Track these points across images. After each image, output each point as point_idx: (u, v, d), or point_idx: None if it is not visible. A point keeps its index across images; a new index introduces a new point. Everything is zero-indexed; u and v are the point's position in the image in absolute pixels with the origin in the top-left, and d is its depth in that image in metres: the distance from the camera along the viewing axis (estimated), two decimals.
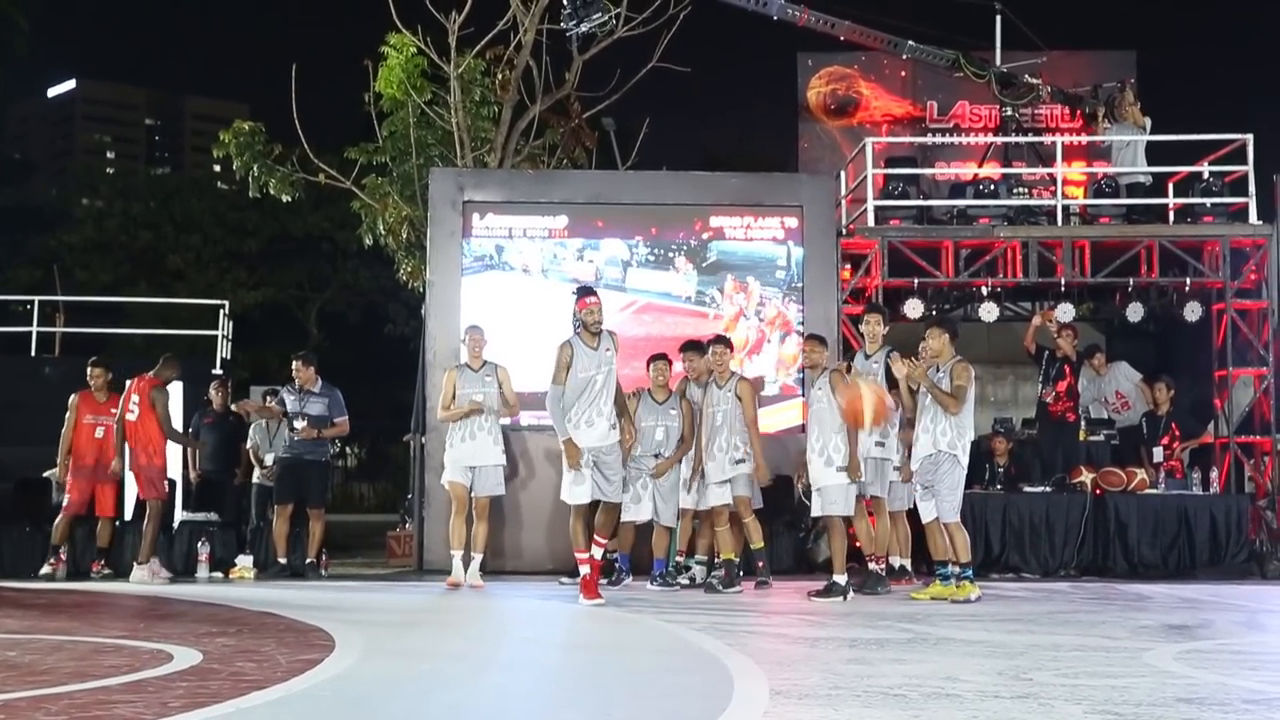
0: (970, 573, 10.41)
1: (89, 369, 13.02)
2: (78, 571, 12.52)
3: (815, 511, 10.86)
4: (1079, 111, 18.11)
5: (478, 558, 11.62)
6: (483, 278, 13.83)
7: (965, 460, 10.46)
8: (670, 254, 13.98)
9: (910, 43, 17.27)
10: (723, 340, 11.66)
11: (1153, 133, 15.71)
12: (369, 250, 19.69)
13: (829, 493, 10.53)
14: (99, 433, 12.73)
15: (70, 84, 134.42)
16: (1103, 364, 14.77)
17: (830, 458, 10.50)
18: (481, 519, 11.69)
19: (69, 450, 12.68)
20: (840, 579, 10.33)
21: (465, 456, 11.68)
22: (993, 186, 15.07)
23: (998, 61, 18.08)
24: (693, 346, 11.88)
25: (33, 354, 18.42)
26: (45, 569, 12.43)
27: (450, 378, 11.96)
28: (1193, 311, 14.55)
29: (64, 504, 12.64)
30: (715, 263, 13.97)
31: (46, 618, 8.77)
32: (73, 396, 12.85)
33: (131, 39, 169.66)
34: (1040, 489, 13.40)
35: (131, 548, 12.72)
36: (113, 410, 12.75)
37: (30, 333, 18.27)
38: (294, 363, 13.08)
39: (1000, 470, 13.78)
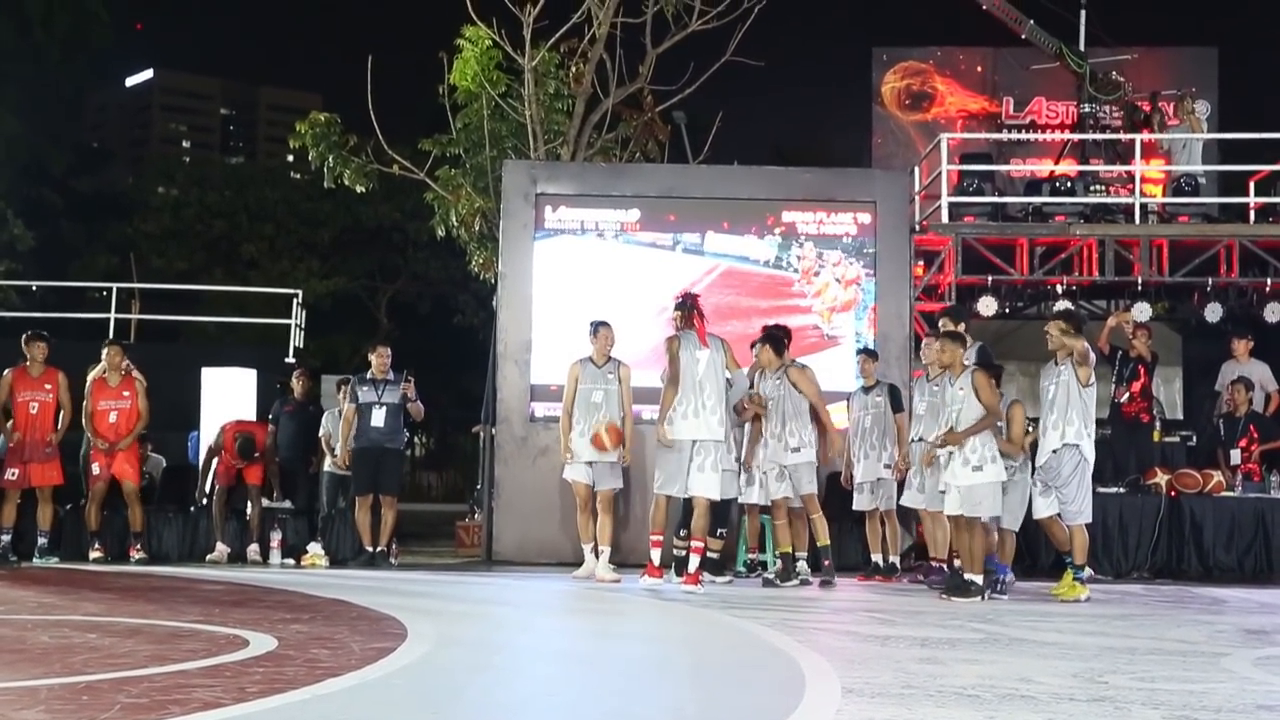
0: (1083, 574, 10.33)
1: (107, 351, 13.14)
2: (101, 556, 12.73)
3: (951, 510, 10.33)
4: (1134, 120, 17.84)
5: (605, 551, 11.50)
6: (554, 241, 13.82)
7: (1089, 452, 10.30)
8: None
9: (1031, 22, 17.02)
10: (770, 338, 11.44)
11: (1234, 130, 15.52)
12: (440, 241, 19.80)
13: (973, 493, 10.02)
14: (113, 417, 12.88)
15: (148, 74, 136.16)
16: (1245, 352, 14.37)
17: (968, 458, 10.03)
18: (605, 513, 11.62)
19: (94, 431, 12.85)
20: (977, 578, 10.03)
21: (586, 453, 11.66)
22: (1069, 184, 14.95)
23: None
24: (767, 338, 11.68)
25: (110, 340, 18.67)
26: (94, 554, 12.62)
27: (574, 372, 11.81)
28: (1273, 313, 14.33)
29: (90, 487, 12.82)
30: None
31: (124, 601, 8.90)
32: (87, 381, 12.97)
33: (208, 30, 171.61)
34: (1113, 490, 13.23)
35: (172, 531, 13.13)
36: (125, 393, 12.92)
37: (108, 319, 18.55)
38: (374, 352, 13.13)
39: None
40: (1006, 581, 10.62)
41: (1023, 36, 17.01)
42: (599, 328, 11.86)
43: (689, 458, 10.66)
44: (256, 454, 13.12)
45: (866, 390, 12.14)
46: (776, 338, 11.50)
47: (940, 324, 11.36)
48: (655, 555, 10.90)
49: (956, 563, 10.89)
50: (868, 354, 12.41)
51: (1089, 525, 10.64)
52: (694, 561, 10.59)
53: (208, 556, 12.93)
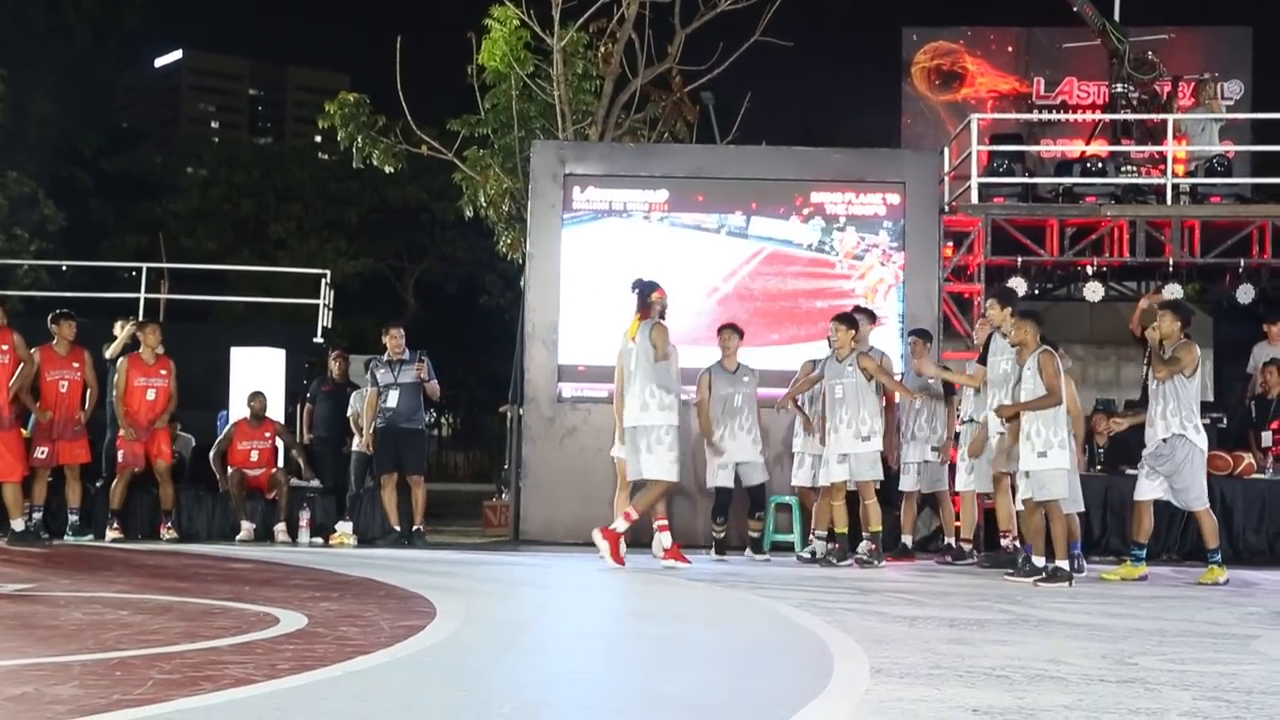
0: (1219, 557, 10.35)
1: (144, 330, 13.23)
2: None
3: (1022, 495, 10.37)
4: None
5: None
6: (601, 224, 13.85)
7: (1201, 440, 10.29)
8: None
9: None
10: (846, 318, 11.53)
11: (1269, 110, 15.38)
12: (467, 221, 19.83)
13: (1039, 478, 10.00)
14: (150, 395, 12.98)
15: (177, 54, 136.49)
16: (1277, 334, 14.25)
17: (1034, 443, 9.99)
18: None
19: (126, 412, 12.93)
20: (1064, 564, 9.98)
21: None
22: (1100, 164, 14.84)
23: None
24: (839, 318, 11.69)
25: (140, 319, 18.74)
26: (112, 534, 12.71)
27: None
28: None
29: (119, 464, 12.94)
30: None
31: (155, 579, 8.96)
32: (120, 359, 13.09)
33: (236, 10, 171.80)
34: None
35: (202, 510, 13.37)
36: (162, 372, 13.01)
37: (138, 299, 18.60)
38: (387, 334, 13.17)
39: (1100, 451, 13.59)
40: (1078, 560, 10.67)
41: (1074, 10, 16.71)
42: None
43: (630, 442, 10.81)
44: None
45: (918, 374, 12.13)
46: (851, 319, 11.50)
47: (987, 304, 11.28)
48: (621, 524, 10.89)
49: (1004, 543, 10.99)
50: (921, 335, 12.34)
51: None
52: (665, 539, 10.97)
53: (237, 537, 13.02)
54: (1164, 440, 10.33)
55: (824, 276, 13.69)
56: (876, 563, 11.16)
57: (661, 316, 10.95)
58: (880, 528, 11.38)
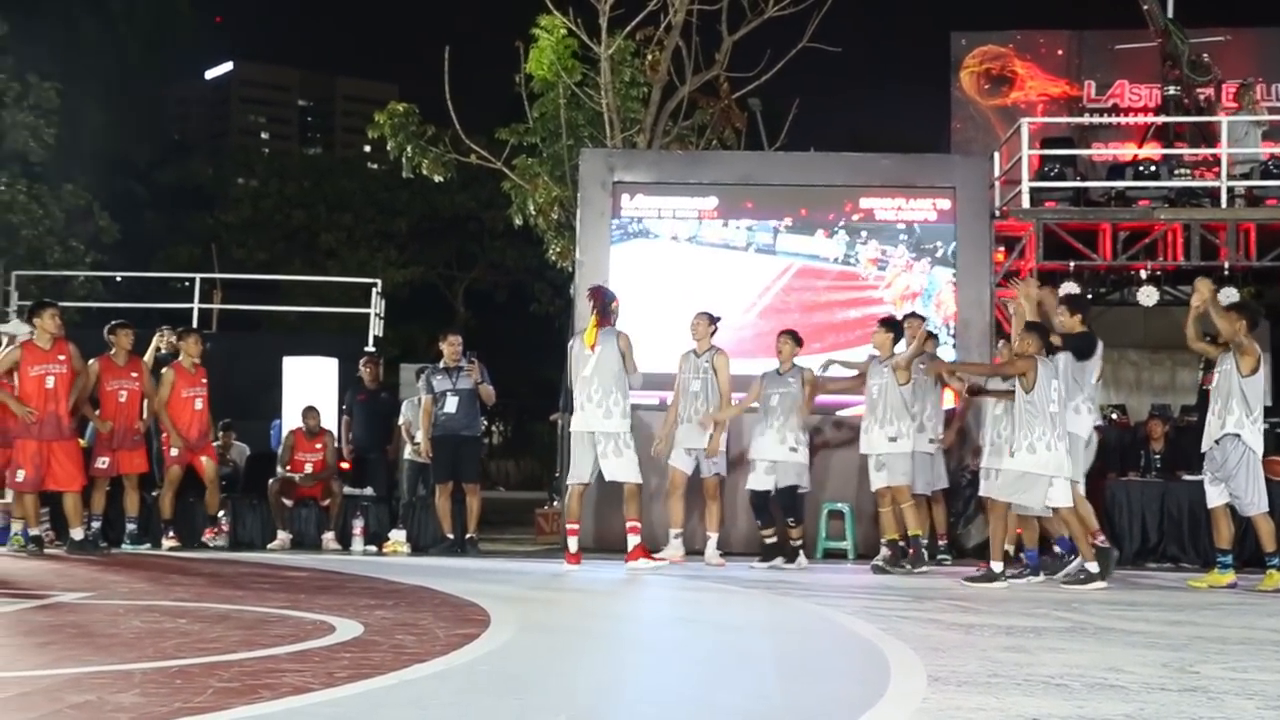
0: (1277, 561, 10.23)
1: (184, 340, 13.33)
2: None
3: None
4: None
5: (713, 536, 11.91)
6: (628, 246, 13.87)
7: (1254, 441, 10.17)
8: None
9: None
10: (888, 321, 11.59)
11: None
12: (516, 230, 19.89)
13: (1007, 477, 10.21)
14: (198, 404, 13.09)
15: (227, 66, 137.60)
16: None
17: (1034, 445, 10.06)
18: (712, 499, 11.97)
19: (173, 421, 13.01)
20: (997, 565, 10.11)
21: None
22: (1153, 168, 14.70)
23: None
24: (883, 323, 11.76)
25: (186, 329, 18.89)
26: (168, 543, 12.80)
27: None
28: None
29: (166, 476, 13.03)
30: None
31: (212, 587, 9.02)
32: (166, 370, 13.17)
33: (285, 22, 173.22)
34: (1200, 477, 13.00)
35: (255, 518, 13.50)
36: (203, 381, 13.11)
37: (191, 309, 18.77)
38: (444, 341, 13.23)
39: (1156, 456, 13.47)
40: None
41: (1145, 8, 16.48)
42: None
43: (590, 448, 11.29)
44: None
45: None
46: (895, 324, 11.57)
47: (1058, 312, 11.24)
48: (572, 544, 11.45)
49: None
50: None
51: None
52: (632, 540, 11.28)
53: (268, 545, 13.14)
54: (1216, 443, 10.24)
55: (853, 288, 13.76)
56: (907, 568, 10.96)
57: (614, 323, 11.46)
58: (919, 531, 11.25)
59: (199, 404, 13.10)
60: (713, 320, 12.07)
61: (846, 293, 13.71)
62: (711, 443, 11.81)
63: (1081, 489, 10.95)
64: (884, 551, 11.28)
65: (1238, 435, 10.14)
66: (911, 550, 11.04)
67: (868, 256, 13.79)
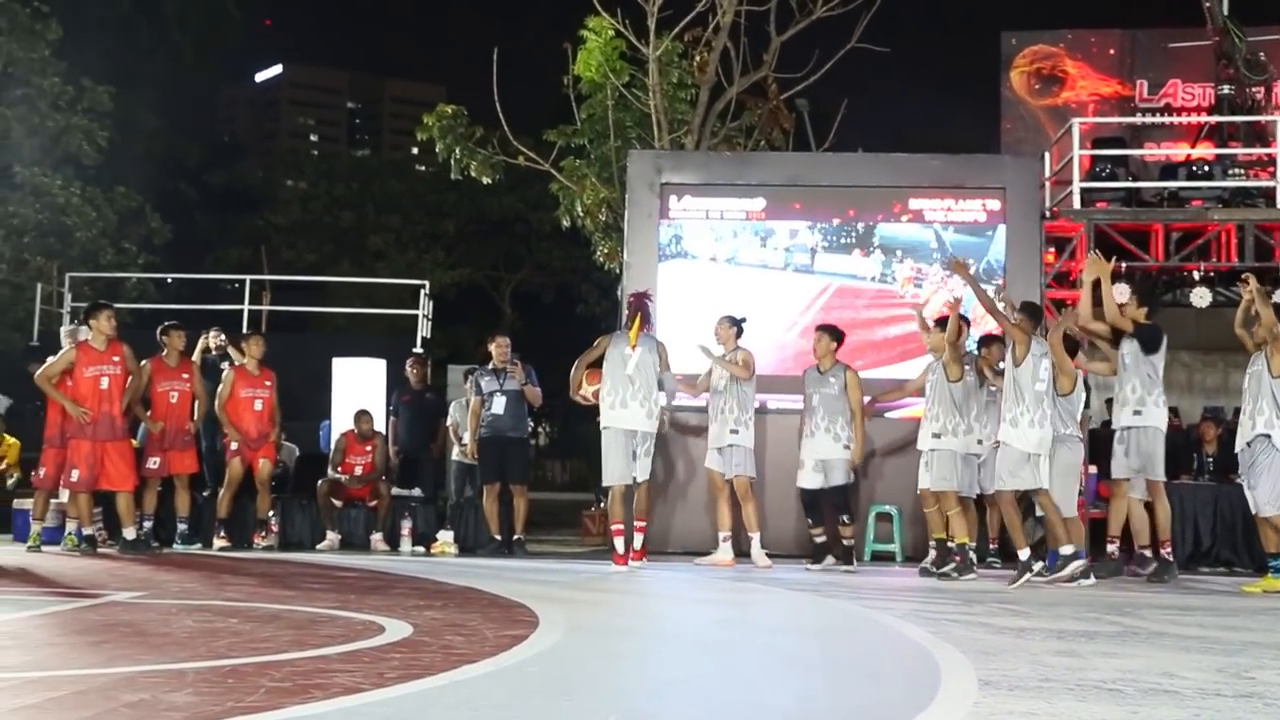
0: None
1: (247, 342, 13.41)
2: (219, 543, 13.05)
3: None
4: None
5: (755, 536, 11.92)
6: (668, 266, 13.84)
7: None
8: (848, 240, 13.88)
9: None
10: (941, 322, 11.46)
11: None
12: (563, 231, 19.91)
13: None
14: (258, 405, 13.16)
15: (277, 69, 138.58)
16: None
17: (1017, 420, 10.39)
18: (745, 500, 11.95)
19: (235, 421, 13.10)
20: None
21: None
22: (1207, 168, 14.55)
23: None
24: (938, 323, 11.68)
25: (244, 331, 19.03)
26: (219, 542, 12.91)
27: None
28: None
29: (227, 474, 13.12)
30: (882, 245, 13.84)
31: (262, 587, 9.09)
32: (227, 370, 13.26)
33: (334, 25, 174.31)
34: None
35: (305, 519, 13.63)
36: (266, 383, 13.18)
37: (241, 311, 18.90)
38: (493, 343, 13.28)
39: (1209, 459, 13.34)
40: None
41: (1206, 6, 16.28)
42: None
43: (627, 445, 11.51)
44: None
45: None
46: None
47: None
48: (618, 544, 11.56)
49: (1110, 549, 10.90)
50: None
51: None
52: (639, 539, 11.65)
53: (317, 546, 13.21)
54: (1247, 445, 10.14)
55: (891, 305, 13.68)
56: (954, 576, 10.73)
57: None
58: (965, 540, 10.93)
59: (259, 405, 13.18)
60: (735, 323, 12.13)
61: (885, 310, 13.64)
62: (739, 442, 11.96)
63: (1068, 507, 10.88)
64: (931, 554, 11.24)
65: (1268, 436, 10.02)
66: (959, 558, 10.91)
67: (903, 275, 13.73)
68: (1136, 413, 10.91)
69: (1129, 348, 11.03)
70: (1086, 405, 11.69)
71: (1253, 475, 10.15)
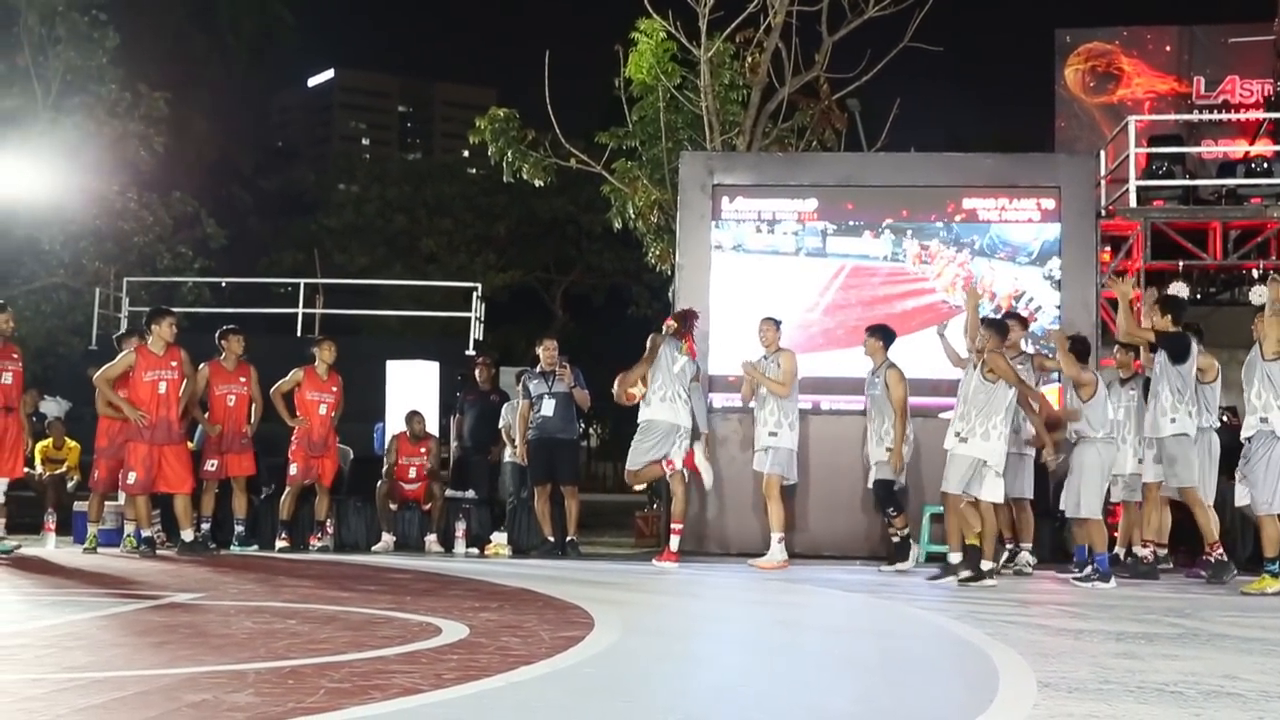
0: (1275, 567, 10.01)
1: (319, 346, 13.49)
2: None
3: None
4: None
5: (774, 535, 11.95)
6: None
7: None
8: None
9: None
10: (992, 323, 11.12)
11: None
12: (614, 233, 19.93)
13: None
14: (322, 409, 13.23)
15: (329, 74, 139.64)
16: None
17: (989, 433, 10.54)
18: (770, 499, 12.00)
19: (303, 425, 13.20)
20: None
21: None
22: (1265, 165, 14.40)
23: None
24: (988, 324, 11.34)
25: (298, 334, 19.20)
26: (280, 544, 13.02)
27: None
28: None
29: (290, 477, 13.22)
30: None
31: (319, 588, 9.15)
32: (295, 372, 13.33)
33: (386, 29, 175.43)
34: None
35: (360, 521, 13.76)
36: (334, 388, 13.25)
37: (295, 314, 19.05)
38: (540, 345, 13.33)
39: None
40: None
41: None
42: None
43: (670, 438, 11.84)
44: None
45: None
46: (999, 324, 11.17)
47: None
48: (674, 542, 11.95)
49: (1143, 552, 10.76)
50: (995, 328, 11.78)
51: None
52: (674, 541, 11.89)
53: (373, 547, 13.29)
54: (1248, 440, 10.04)
55: (904, 281, 13.78)
56: (973, 578, 10.46)
57: None
58: (976, 542, 10.58)
59: (323, 409, 13.27)
60: (777, 325, 12.32)
61: (900, 286, 13.78)
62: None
63: (1208, 495, 10.80)
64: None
65: (1267, 428, 9.91)
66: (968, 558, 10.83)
67: (912, 253, 13.81)
68: (1173, 420, 10.85)
69: (1158, 358, 10.98)
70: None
71: (1247, 469, 10.03)
